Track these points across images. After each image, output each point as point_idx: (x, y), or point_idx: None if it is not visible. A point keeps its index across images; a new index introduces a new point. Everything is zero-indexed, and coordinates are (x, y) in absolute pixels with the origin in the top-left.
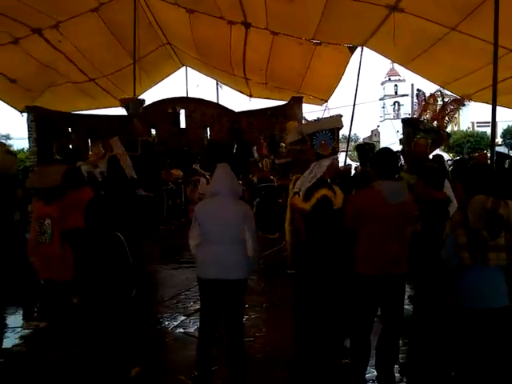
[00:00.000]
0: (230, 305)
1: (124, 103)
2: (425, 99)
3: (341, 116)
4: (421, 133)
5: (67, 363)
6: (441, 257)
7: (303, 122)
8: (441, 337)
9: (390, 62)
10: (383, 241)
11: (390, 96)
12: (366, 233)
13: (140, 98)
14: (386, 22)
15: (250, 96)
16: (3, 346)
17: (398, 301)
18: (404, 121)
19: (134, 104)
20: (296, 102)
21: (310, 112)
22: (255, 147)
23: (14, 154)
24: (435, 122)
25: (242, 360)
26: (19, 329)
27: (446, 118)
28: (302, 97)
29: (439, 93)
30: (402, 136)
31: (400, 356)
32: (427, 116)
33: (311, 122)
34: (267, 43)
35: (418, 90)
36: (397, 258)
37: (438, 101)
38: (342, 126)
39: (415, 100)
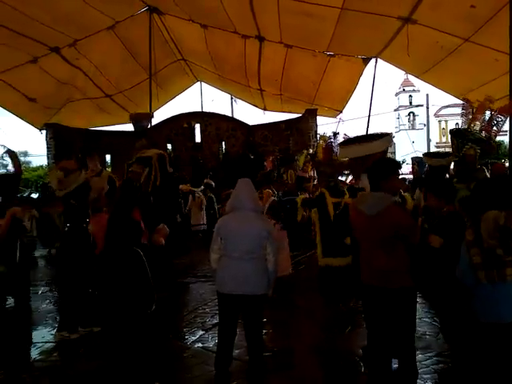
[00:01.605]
0: (249, 319)
1: (132, 119)
2: (472, 110)
3: (391, 135)
4: (470, 143)
5: (88, 377)
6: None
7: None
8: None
9: (404, 72)
10: (367, 253)
11: (405, 107)
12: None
13: (148, 112)
14: (400, 33)
15: (265, 109)
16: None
17: (392, 316)
18: (453, 131)
19: (141, 119)
20: (310, 115)
21: (325, 124)
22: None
23: None
24: (483, 133)
25: (261, 374)
26: (40, 343)
27: (495, 128)
28: (316, 109)
29: (487, 102)
30: (413, 145)
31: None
32: (476, 127)
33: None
34: (281, 55)
35: (463, 99)
36: (382, 271)
37: (485, 111)
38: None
39: (462, 110)
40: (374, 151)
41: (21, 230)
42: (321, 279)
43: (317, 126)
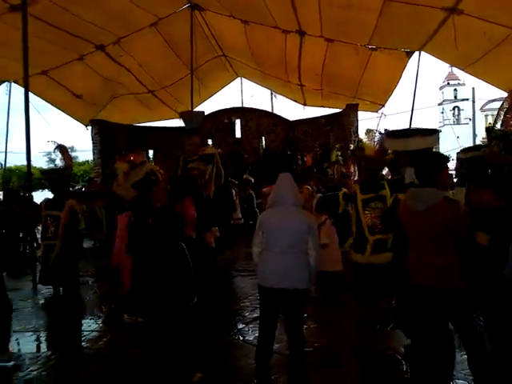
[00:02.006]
0: (290, 314)
1: (183, 116)
2: None
3: (438, 132)
4: (495, 140)
5: (132, 365)
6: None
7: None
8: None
9: (448, 65)
10: (417, 250)
11: (450, 101)
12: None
13: (199, 110)
14: (444, 25)
15: (305, 104)
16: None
17: (445, 317)
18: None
19: (192, 117)
20: (351, 110)
21: (366, 119)
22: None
23: None
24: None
25: (302, 369)
26: (86, 332)
27: None
28: (358, 104)
29: None
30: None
31: None
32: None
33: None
34: (322, 50)
35: (510, 91)
36: (433, 268)
37: None
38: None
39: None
40: (427, 146)
41: (96, 221)
42: (357, 276)
43: (358, 120)
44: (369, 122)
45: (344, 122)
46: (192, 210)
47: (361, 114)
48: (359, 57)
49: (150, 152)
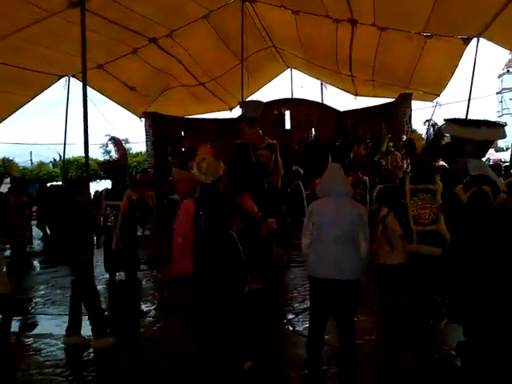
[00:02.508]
0: (341, 305)
1: (243, 105)
2: None
3: (503, 126)
4: None
5: (183, 353)
6: None
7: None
8: None
9: (509, 52)
10: None
11: (509, 89)
12: None
13: (259, 100)
14: (507, 8)
15: (356, 95)
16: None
17: None
18: None
19: (252, 107)
20: (404, 99)
21: (419, 109)
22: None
23: None
24: None
25: (352, 361)
26: (142, 317)
27: None
28: (411, 93)
29: None
30: None
31: None
32: None
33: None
34: (374, 39)
35: None
36: None
37: None
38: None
39: None
40: (494, 138)
41: (148, 210)
42: (411, 266)
43: (411, 110)
44: (423, 112)
45: (396, 112)
46: (252, 203)
47: (414, 104)
48: (413, 45)
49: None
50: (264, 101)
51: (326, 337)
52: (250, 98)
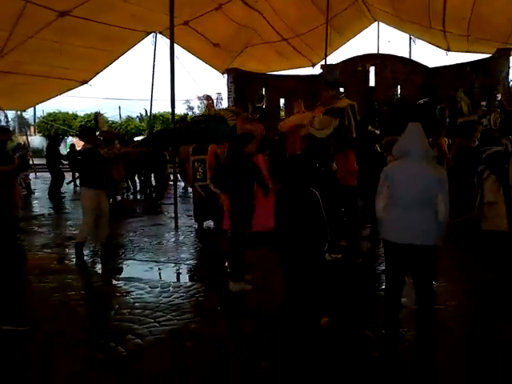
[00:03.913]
0: (418, 270)
1: (324, 69)
2: None
3: None
4: None
5: (263, 302)
6: None
7: None
8: None
9: None
10: None
11: None
12: None
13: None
14: None
15: (448, 50)
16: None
17: None
18: None
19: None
20: (502, 55)
21: None
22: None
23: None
24: None
25: (430, 326)
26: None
27: None
28: (510, 49)
29: None
30: None
31: None
32: None
33: None
34: None
35: None
36: None
37: None
38: None
39: None
40: None
41: (220, 164)
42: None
43: (509, 67)
44: None
45: (492, 69)
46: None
47: None
48: None
49: (281, 100)
50: (348, 56)
51: (404, 299)
52: (333, 54)
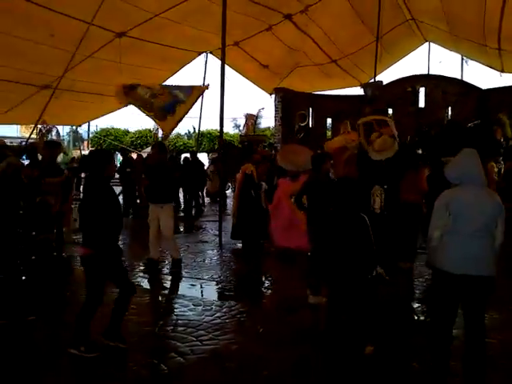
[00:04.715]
0: (473, 303)
1: (364, 87)
2: None
3: None
4: None
5: (303, 328)
6: None
7: None
8: None
9: None
10: None
11: None
12: None
13: (378, 80)
14: None
15: (502, 71)
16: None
17: None
18: None
19: (371, 88)
20: None
21: None
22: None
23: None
24: None
25: (481, 361)
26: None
27: None
28: None
29: None
30: None
31: None
32: None
33: None
34: None
35: None
36: None
37: None
38: None
39: None
40: None
41: (252, 183)
42: None
43: None
44: None
45: None
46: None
47: None
48: None
49: (328, 120)
50: (396, 77)
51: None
52: (382, 74)
